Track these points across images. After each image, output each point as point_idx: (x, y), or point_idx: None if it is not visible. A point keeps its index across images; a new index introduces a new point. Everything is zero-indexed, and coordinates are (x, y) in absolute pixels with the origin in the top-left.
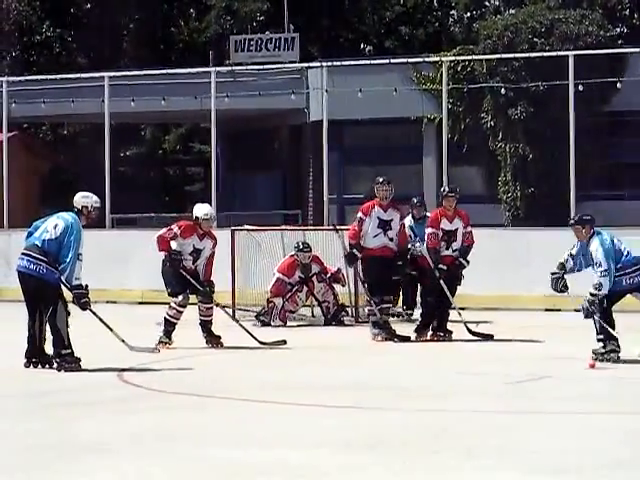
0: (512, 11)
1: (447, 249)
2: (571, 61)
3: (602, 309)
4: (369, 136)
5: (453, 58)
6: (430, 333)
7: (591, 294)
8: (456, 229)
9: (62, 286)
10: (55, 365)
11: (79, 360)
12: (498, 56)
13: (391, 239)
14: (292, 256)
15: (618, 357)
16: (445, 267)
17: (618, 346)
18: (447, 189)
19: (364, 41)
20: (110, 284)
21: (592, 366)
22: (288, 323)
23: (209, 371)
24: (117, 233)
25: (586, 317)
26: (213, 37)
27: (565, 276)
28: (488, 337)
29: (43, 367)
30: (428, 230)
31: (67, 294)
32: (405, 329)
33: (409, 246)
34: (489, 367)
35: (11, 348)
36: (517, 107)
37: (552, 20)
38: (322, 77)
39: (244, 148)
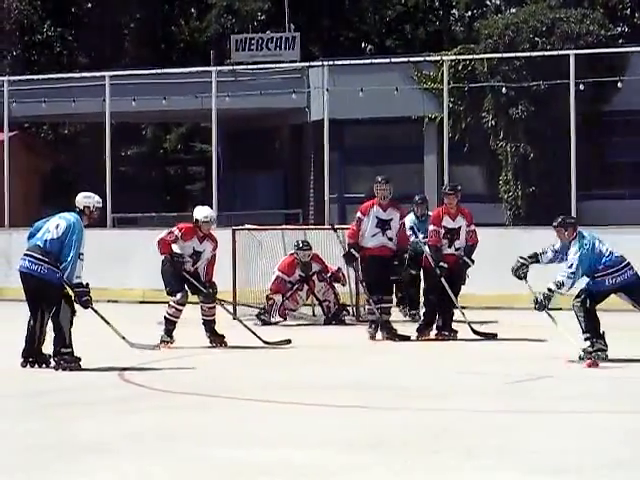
0: (513, 10)
1: (449, 247)
2: (572, 60)
3: (585, 309)
4: (370, 135)
5: (454, 57)
6: (435, 332)
7: (549, 289)
8: (459, 227)
9: (66, 286)
10: (53, 363)
11: (79, 360)
12: (499, 55)
13: (390, 239)
14: (292, 254)
15: (606, 355)
16: (446, 265)
17: (605, 345)
18: (448, 186)
19: (365, 40)
20: (111, 283)
21: (590, 365)
22: (289, 322)
23: (211, 370)
24: (118, 232)
25: (537, 310)
26: (214, 36)
27: (529, 267)
28: (492, 336)
29: (40, 366)
30: (430, 227)
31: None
32: (408, 329)
33: (413, 239)
34: (489, 367)
35: (11, 348)
36: (518, 106)
37: (553, 19)
38: (323, 76)
39: (245, 147)
